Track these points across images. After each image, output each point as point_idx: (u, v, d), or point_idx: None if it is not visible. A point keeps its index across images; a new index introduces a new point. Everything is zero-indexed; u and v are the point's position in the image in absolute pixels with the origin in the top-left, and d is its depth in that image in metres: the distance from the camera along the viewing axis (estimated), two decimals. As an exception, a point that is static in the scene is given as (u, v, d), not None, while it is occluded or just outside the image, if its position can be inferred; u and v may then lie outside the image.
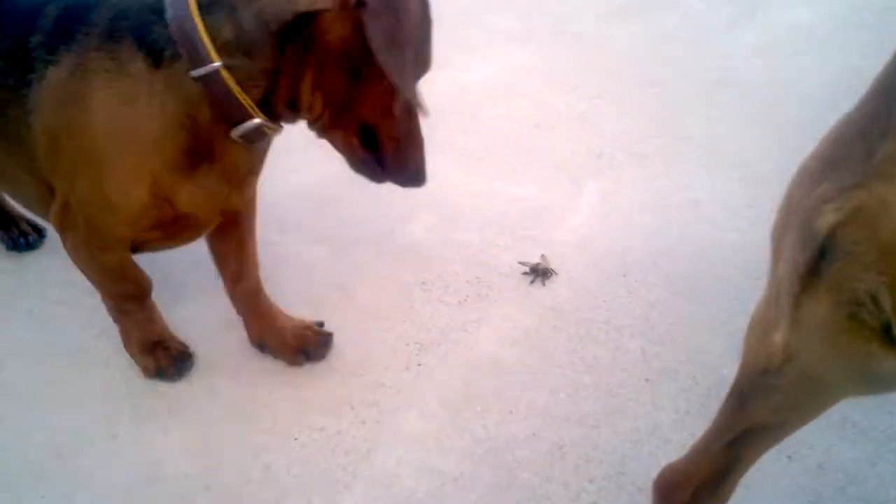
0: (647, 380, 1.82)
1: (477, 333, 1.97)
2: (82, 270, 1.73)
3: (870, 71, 2.79)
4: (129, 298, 1.82)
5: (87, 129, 1.42)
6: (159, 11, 1.37)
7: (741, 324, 1.91)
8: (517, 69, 3.02)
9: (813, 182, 1.00)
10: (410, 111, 1.53)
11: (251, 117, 1.44)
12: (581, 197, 2.22)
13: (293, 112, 1.49)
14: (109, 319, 1.88)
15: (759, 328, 1.19)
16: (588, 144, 2.55)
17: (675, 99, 2.72)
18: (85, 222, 1.57)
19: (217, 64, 1.36)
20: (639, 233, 2.21)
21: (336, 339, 1.94)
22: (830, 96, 2.65)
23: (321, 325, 1.96)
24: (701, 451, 1.35)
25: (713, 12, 3.21)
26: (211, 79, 1.37)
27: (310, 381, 1.87)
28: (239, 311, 1.90)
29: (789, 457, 1.62)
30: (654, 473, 1.63)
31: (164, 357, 1.86)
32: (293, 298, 1.97)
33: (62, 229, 1.63)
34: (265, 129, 1.47)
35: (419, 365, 1.90)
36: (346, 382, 1.86)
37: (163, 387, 1.86)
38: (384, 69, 1.34)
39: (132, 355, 1.88)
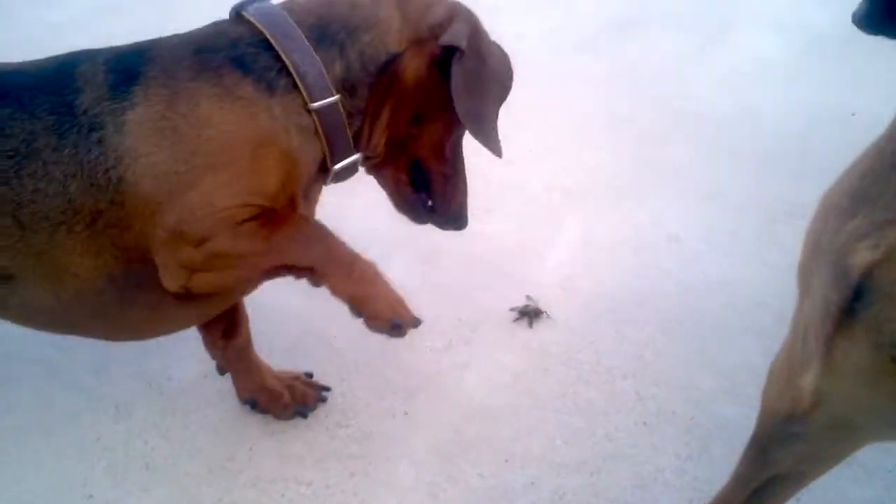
0: (644, 423, 1.77)
1: (464, 378, 1.91)
2: (228, 275, 1.46)
3: (834, 100, 2.82)
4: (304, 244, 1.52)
5: (215, 137, 1.34)
6: (258, 44, 1.39)
7: (735, 361, 1.89)
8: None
9: (842, 218, 0.96)
10: (457, 154, 1.64)
11: (350, 154, 1.49)
12: (559, 234, 2.17)
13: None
14: (74, 371, 1.79)
15: (783, 373, 1.14)
16: (562, 180, 2.51)
17: (646, 131, 2.70)
18: (207, 237, 1.37)
19: (336, 97, 1.41)
20: (621, 270, 2.17)
21: (318, 390, 1.86)
22: (799, 125, 2.65)
23: (310, 375, 1.88)
24: (723, 502, 1.30)
25: (676, 43, 3.21)
26: (325, 112, 1.41)
27: (294, 433, 1.79)
28: (227, 368, 1.80)
29: (798, 499, 1.57)
30: (663, 521, 1.58)
31: None
32: (270, 349, 1.89)
33: (180, 267, 1.39)
34: (356, 165, 1.53)
35: (406, 413, 1.83)
36: (331, 434, 1.78)
37: (138, 443, 1.77)
38: (458, 110, 1.43)
39: (365, 301, 1.50)
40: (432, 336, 2.01)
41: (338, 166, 1.50)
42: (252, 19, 1.41)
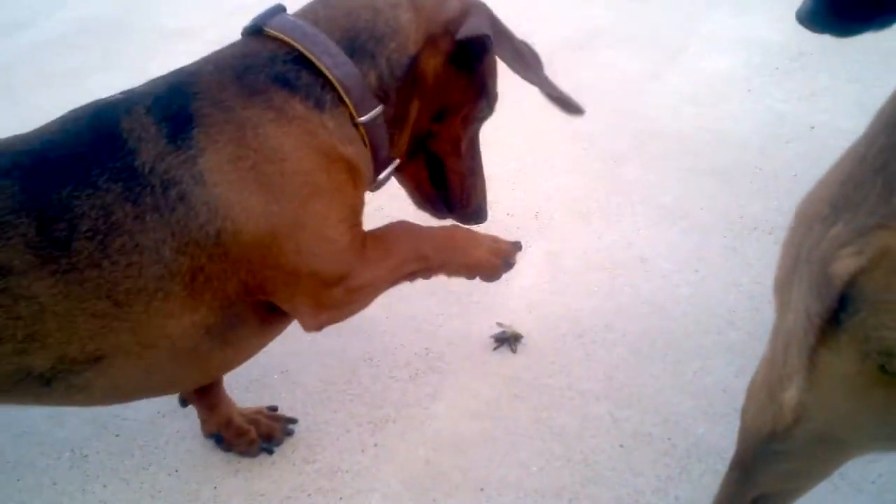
0: (621, 445, 1.72)
1: (433, 408, 1.85)
2: (366, 301, 1.52)
3: (793, 113, 2.81)
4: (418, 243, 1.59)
5: (296, 169, 1.32)
6: (295, 60, 1.36)
7: (708, 381, 1.85)
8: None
9: (823, 226, 0.92)
10: (475, 150, 1.65)
11: (391, 162, 1.51)
12: (524, 259, 2.12)
13: None
14: (26, 419, 1.72)
15: (762, 391, 1.10)
16: (524, 204, 2.47)
17: (606, 152, 2.67)
18: (327, 272, 1.40)
19: (380, 107, 1.41)
20: (589, 293, 2.13)
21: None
22: (760, 141, 2.64)
23: (274, 409, 1.82)
24: None
25: (632, 64, 3.19)
26: (370, 124, 1.40)
27: (259, 470, 1.72)
28: (192, 402, 1.73)
29: (783, 517, 1.53)
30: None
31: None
32: (230, 386, 1.82)
33: (323, 309, 1.44)
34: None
35: (375, 445, 1.77)
36: (298, 469, 1.72)
37: (96, 486, 1.70)
38: (528, 80, 1.46)
39: (478, 264, 1.63)
40: (398, 367, 1.96)
41: (382, 175, 1.51)
42: (281, 35, 1.37)
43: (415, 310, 2.11)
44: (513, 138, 2.75)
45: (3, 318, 1.20)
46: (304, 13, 1.44)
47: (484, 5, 1.51)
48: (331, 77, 1.35)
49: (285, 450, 1.76)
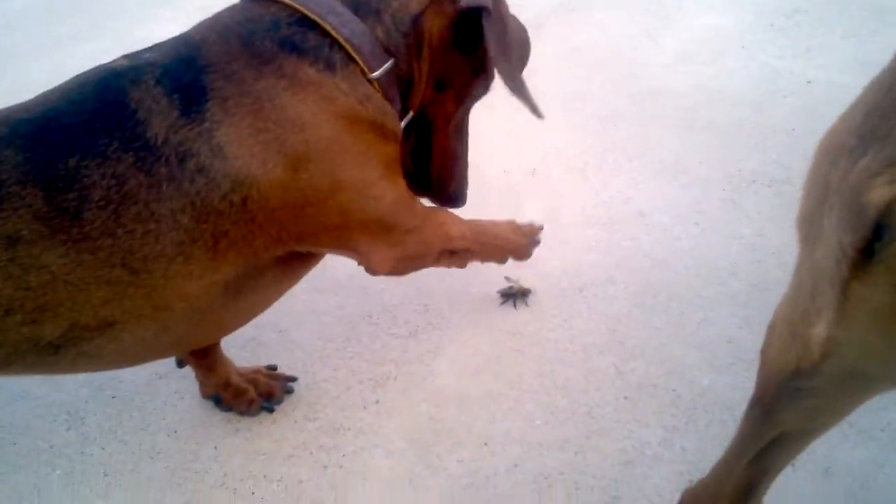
0: (625, 397, 1.70)
1: (435, 364, 1.83)
2: (434, 251, 1.62)
3: (789, 69, 2.78)
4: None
5: (317, 137, 1.30)
6: (299, 22, 1.33)
7: (711, 333, 1.83)
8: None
9: (851, 158, 0.90)
10: (463, 131, 1.63)
11: (406, 115, 1.49)
12: (522, 217, 2.09)
13: None
14: (21, 382, 1.71)
15: (785, 328, 1.07)
16: (520, 161, 2.44)
17: (602, 111, 2.64)
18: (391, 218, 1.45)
19: (391, 60, 1.38)
20: (589, 248, 2.10)
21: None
22: (755, 97, 2.61)
23: (274, 368, 1.79)
24: (725, 468, 1.23)
25: (624, 25, 3.15)
26: (383, 79, 1.38)
27: (260, 430, 1.70)
28: (189, 363, 1.71)
29: (793, 465, 1.51)
30: (651, 495, 1.52)
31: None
32: (227, 345, 1.80)
33: (395, 249, 1.50)
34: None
35: (377, 402, 1.75)
36: (300, 427, 1.70)
37: (94, 448, 1.67)
38: (496, 66, 1.44)
39: (509, 244, 1.79)
40: (397, 324, 1.94)
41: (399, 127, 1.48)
42: None
43: (412, 268, 2.08)
44: (503, 99, 2.71)
45: (11, 288, 1.17)
46: None
47: None
48: (338, 36, 1.32)
49: (286, 408, 1.73)
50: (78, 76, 1.30)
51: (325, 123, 1.30)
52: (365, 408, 1.73)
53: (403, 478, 1.59)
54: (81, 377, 1.82)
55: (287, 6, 1.33)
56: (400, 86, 1.44)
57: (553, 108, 2.68)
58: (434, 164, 1.59)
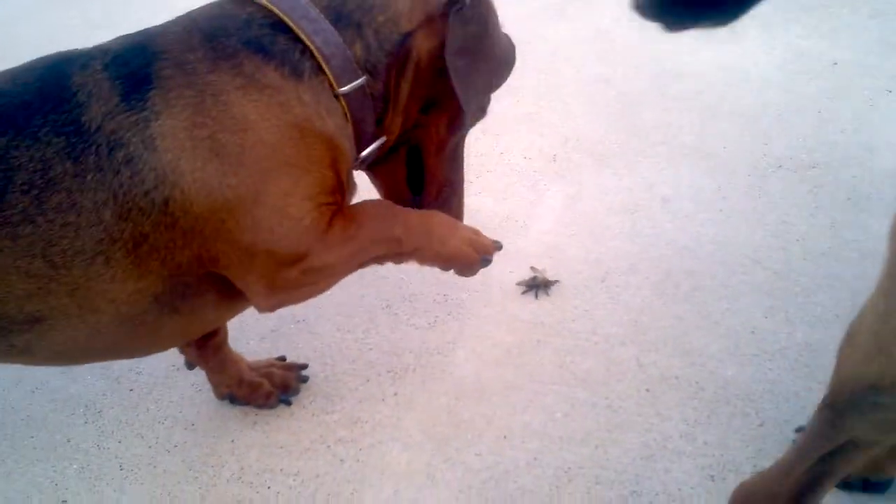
0: (647, 390, 1.67)
1: (454, 355, 1.81)
2: (328, 284, 1.40)
3: (815, 50, 2.73)
4: (390, 224, 1.46)
5: (258, 141, 1.22)
6: (273, 25, 1.26)
7: (735, 322, 1.80)
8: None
9: None
10: (458, 158, 1.54)
11: (376, 138, 1.40)
12: (542, 204, 2.07)
13: None
14: (38, 376, 1.69)
15: (873, 340, 1.03)
16: (541, 147, 2.41)
17: (624, 95, 2.60)
18: (287, 247, 1.29)
19: (363, 79, 1.31)
20: (610, 236, 2.07)
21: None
22: (781, 78, 2.57)
23: (283, 359, 1.78)
24: (785, 467, 1.20)
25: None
26: (353, 96, 1.31)
27: (277, 423, 1.69)
28: (199, 364, 1.68)
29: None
30: (672, 490, 1.50)
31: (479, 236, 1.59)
32: (246, 339, 1.78)
33: (276, 289, 1.33)
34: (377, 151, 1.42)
35: (395, 394, 1.73)
36: (317, 420, 1.68)
37: (111, 442, 1.67)
38: (451, 74, 1.33)
39: (454, 255, 1.50)
40: (416, 314, 1.92)
41: (365, 152, 1.39)
42: None
43: (432, 257, 2.06)
44: (525, 83, 2.69)
45: None
46: None
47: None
48: (310, 44, 1.27)
49: (303, 401, 1.72)
50: (35, 59, 1.27)
51: (271, 129, 1.23)
52: (383, 400, 1.72)
53: (421, 471, 1.57)
54: (98, 369, 1.81)
55: (263, 7, 1.28)
56: (375, 106, 1.37)
57: (574, 93, 2.65)
58: (427, 194, 1.53)
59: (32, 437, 1.70)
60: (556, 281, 1.95)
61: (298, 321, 1.91)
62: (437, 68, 1.37)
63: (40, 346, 1.27)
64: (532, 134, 2.48)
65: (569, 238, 2.06)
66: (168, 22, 1.30)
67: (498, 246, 1.58)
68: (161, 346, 1.45)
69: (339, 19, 1.30)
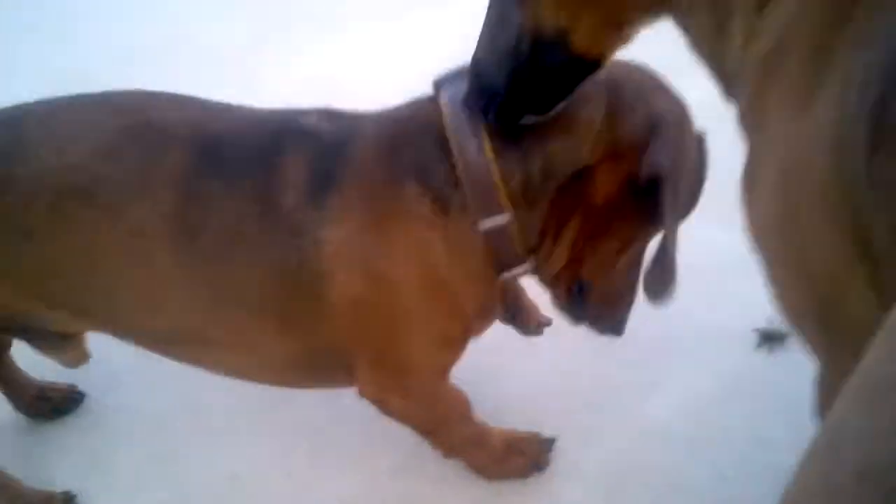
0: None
1: (649, 398, 1.83)
2: (420, 424, 1.56)
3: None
4: (461, 420, 1.60)
5: (407, 279, 1.28)
6: (441, 145, 1.28)
7: None
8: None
9: None
10: (635, 267, 1.44)
11: (520, 263, 1.36)
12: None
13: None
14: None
15: None
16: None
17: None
18: (405, 375, 1.44)
19: (508, 218, 1.28)
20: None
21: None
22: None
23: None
24: None
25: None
26: (496, 230, 1.29)
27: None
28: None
29: None
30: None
31: (520, 455, 1.68)
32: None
33: (383, 395, 1.47)
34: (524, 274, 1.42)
35: (586, 427, 1.78)
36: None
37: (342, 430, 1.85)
38: (664, 221, 1.24)
39: (491, 473, 1.67)
40: (625, 349, 1.83)
41: (507, 274, 1.37)
42: (444, 109, 1.30)
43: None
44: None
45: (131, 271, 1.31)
46: None
47: (674, 120, 1.27)
48: (460, 174, 1.25)
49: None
50: (274, 112, 1.39)
51: (419, 270, 1.28)
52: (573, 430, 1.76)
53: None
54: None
55: (440, 118, 1.29)
56: (530, 238, 1.33)
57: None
58: (594, 300, 1.43)
59: (273, 416, 1.91)
60: (788, 336, 1.84)
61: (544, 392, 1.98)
62: (614, 205, 1.29)
63: (208, 361, 1.50)
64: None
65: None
66: (372, 114, 1.38)
67: (552, 439, 1.69)
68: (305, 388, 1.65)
69: (504, 148, 1.26)
